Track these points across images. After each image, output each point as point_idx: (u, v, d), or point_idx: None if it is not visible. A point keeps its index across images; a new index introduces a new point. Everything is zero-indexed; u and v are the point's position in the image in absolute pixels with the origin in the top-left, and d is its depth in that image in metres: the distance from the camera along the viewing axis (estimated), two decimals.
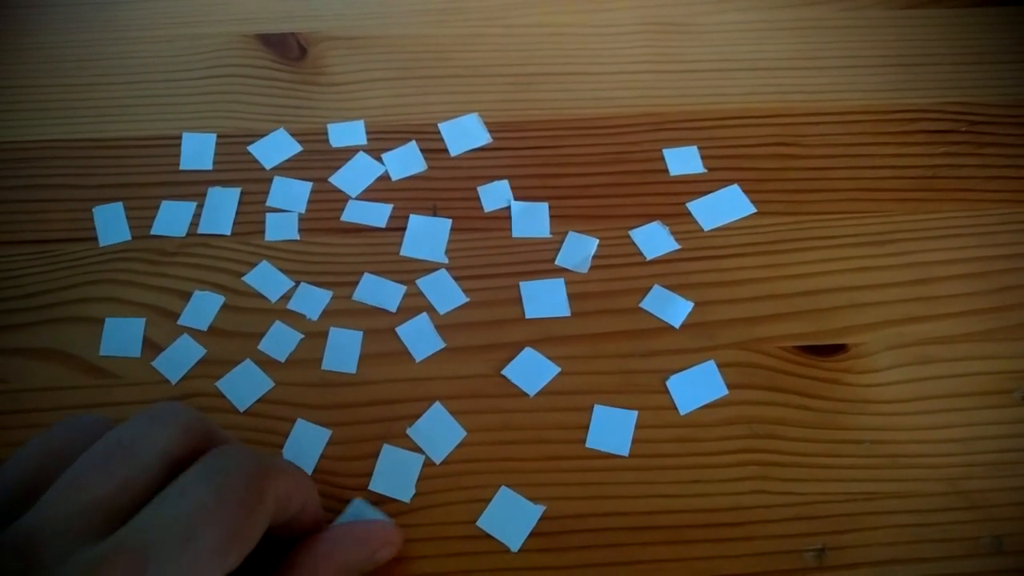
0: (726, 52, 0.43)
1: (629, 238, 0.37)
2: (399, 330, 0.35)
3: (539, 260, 0.37)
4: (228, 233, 0.37)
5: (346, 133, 0.40)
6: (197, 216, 0.38)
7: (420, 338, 0.35)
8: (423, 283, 0.36)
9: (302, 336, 0.35)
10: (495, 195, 0.38)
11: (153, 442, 0.23)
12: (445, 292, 0.36)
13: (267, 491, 0.23)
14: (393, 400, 0.33)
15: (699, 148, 0.39)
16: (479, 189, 0.38)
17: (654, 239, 0.37)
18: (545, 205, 0.38)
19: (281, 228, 0.37)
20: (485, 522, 0.31)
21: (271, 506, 0.23)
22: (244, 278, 0.36)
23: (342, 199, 0.38)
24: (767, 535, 0.31)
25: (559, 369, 0.34)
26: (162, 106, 0.41)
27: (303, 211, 0.38)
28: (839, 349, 0.34)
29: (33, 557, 0.20)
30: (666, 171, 0.39)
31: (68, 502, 0.21)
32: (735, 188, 0.38)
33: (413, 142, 0.40)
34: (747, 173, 0.39)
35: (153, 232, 0.37)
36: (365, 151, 0.39)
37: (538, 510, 0.31)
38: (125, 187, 0.39)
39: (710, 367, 0.34)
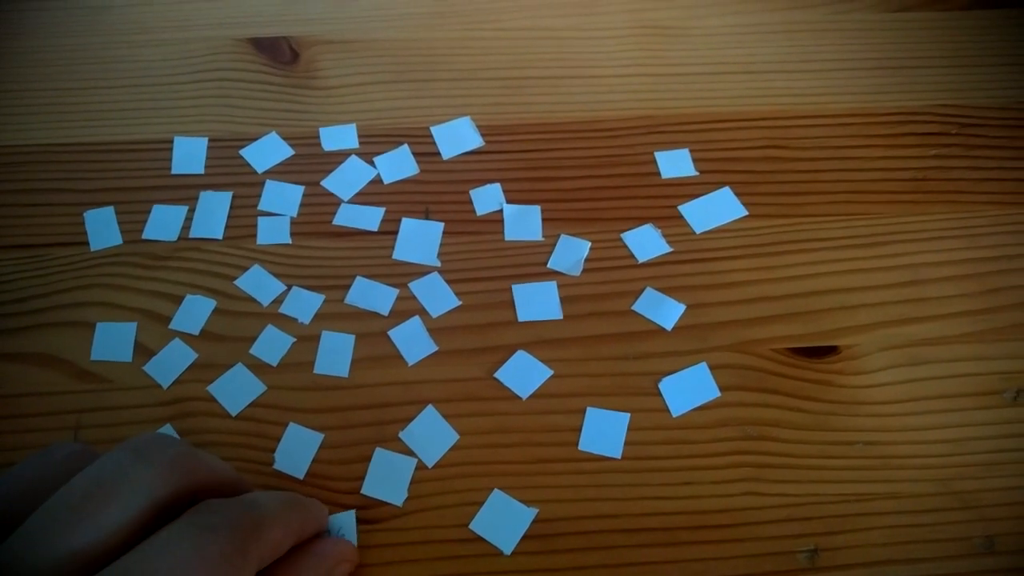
0: (717, 55, 0.43)
1: (621, 241, 0.37)
2: (391, 333, 0.35)
3: (531, 263, 0.37)
4: (220, 237, 0.37)
5: (338, 137, 0.40)
6: (189, 220, 0.38)
7: (412, 341, 0.35)
8: (415, 286, 0.36)
9: (294, 340, 0.35)
10: (487, 198, 0.38)
11: (137, 483, 0.21)
12: (437, 295, 0.36)
13: (253, 549, 0.22)
14: (385, 403, 0.33)
15: (691, 151, 0.39)
16: (471, 192, 0.38)
17: (646, 242, 0.37)
18: (537, 208, 0.38)
19: (273, 232, 0.37)
20: (478, 525, 0.31)
21: (255, 563, 0.22)
22: (236, 282, 0.36)
23: (334, 203, 0.38)
24: (760, 536, 0.31)
25: (552, 372, 0.34)
26: (154, 110, 0.41)
27: (295, 215, 0.38)
28: (831, 351, 0.35)
29: None
30: (658, 174, 0.39)
31: (42, 549, 0.20)
32: (726, 191, 0.38)
33: (405, 145, 0.40)
34: (738, 176, 0.39)
35: (145, 236, 0.37)
36: (357, 155, 0.39)
37: (531, 513, 0.31)
38: (116, 191, 0.38)
39: (702, 369, 0.34)
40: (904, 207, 0.38)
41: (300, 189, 0.39)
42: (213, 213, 0.38)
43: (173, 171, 0.39)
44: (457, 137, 0.40)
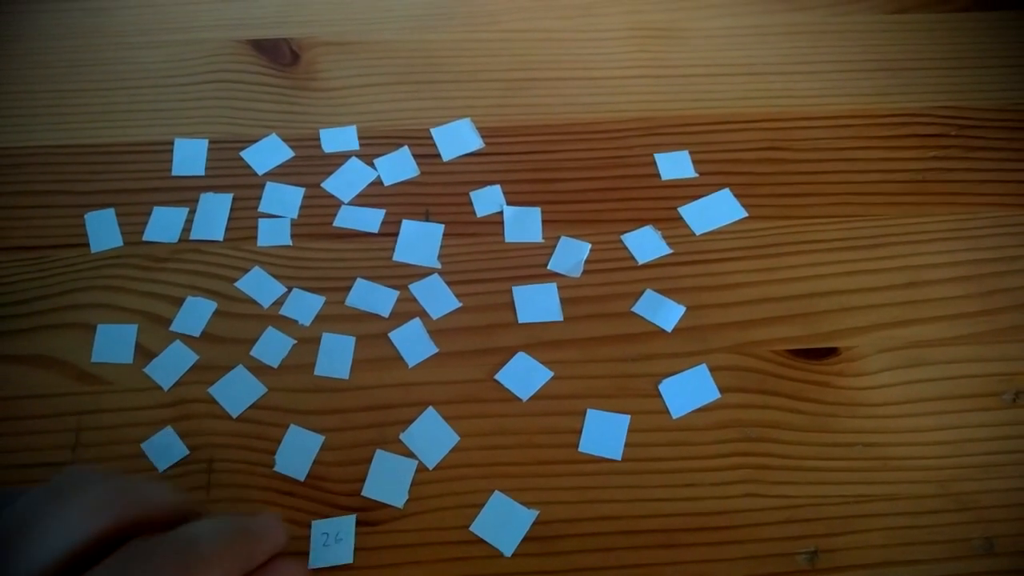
0: (717, 57, 0.43)
1: (621, 243, 0.37)
2: (392, 335, 0.35)
3: (532, 265, 0.37)
4: (220, 239, 0.37)
5: (338, 138, 0.40)
6: (189, 222, 0.38)
7: (413, 343, 0.35)
8: (416, 288, 0.36)
9: (295, 342, 0.35)
10: (487, 200, 0.38)
11: (51, 536, 0.19)
12: (438, 297, 0.36)
13: None
14: (386, 405, 0.33)
15: (690, 153, 0.40)
16: (471, 194, 0.38)
17: (646, 243, 0.37)
18: (537, 210, 0.38)
19: (273, 234, 0.37)
20: (478, 527, 0.31)
21: None
22: (236, 284, 0.36)
23: (334, 204, 0.38)
24: (759, 538, 0.31)
25: (552, 374, 0.34)
26: (154, 112, 0.41)
27: (295, 216, 0.38)
28: (830, 352, 0.35)
29: None
30: (658, 176, 0.39)
31: None
32: (726, 192, 0.38)
33: (405, 147, 0.40)
34: (738, 177, 0.39)
35: (145, 238, 0.37)
36: (357, 156, 0.40)
37: (531, 515, 0.31)
38: (117, 193, 0.39)
39: (702, 371, 0.34)
40: (903, 208, 0.38)
41: (300, 191, 0.39)
42: (214, 215, 0.38)
43: (173, 173, 0.39)
44: (457, 139, 0.40)
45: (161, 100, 0.41)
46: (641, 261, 0.37)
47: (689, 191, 0.39)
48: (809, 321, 0.35)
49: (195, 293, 0.36)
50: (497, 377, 0.34)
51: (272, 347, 0.35)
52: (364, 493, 0.32)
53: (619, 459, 0.32)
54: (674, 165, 0.39)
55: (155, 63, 0.43)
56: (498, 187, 0.39)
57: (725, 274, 0.36)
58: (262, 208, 0.38)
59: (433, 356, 0.34)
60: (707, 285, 0.36)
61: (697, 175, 0.39)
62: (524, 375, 0.34)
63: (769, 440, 0.33)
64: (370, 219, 0.38)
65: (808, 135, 0.40)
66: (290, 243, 0.37)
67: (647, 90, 0.42)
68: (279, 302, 0.36)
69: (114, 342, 0.35)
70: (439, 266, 0.37)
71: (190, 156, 0.40)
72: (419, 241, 0.37)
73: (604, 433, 0.33)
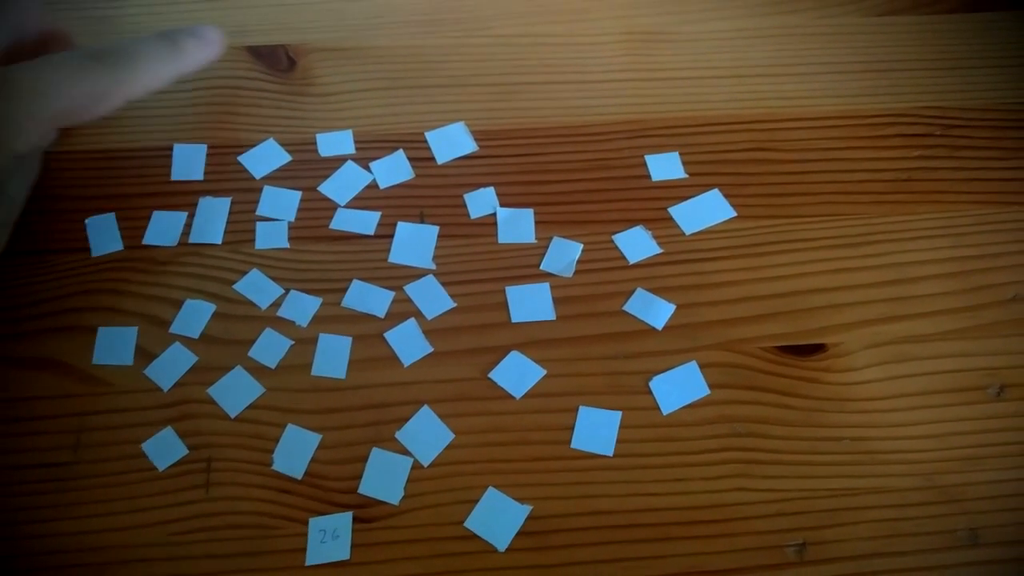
0: (706, 60, 0.43)
1: (612, 243, 0.38)
2: (387, 335, 0.35)
3: (524, 265, 0.37)
4: (219, 242, 0.38)
5: (334, 142, 0.41)
6: (188, 226, 0.38)
7: (408, 343, 0.35)
8: (411, 289, 0.37)
9: (292, 343, 0.35)
10: (481, 202, 0.39)
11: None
12: (432, 297, 0.36)
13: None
14: (382, 404, 0.34)
15: (680, 154, 0.40)
16: (465, 196, 0.39)
17: (637, 243, 0.38)
18: (530, 211, 0.39)
19: (271, 236, 0.38)
20: (473, 523, 0.32)
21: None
22: (235, 286, 0.37)
23: (331, 207, 0.39)
24: (749, 531, 0.32)
25: (545, 372, 0.35)
26: (153, 118, 0.42)
27: (293, 220, 0.39)
28: (818, 349, 0.35)
29: None
30: (648, 177, 0.40)
31: None
32: (715, 192, 0.39)
33: (400, 151, 0.40)
34: (727, 178, 0.40)
35: (145, 242, 0.38)
36: (353, 160, 0.40)
37: (525, 510, 0.32)
38: (117, 198, 0.39)
39: (692, 368, 0.35)
40: (889, 207, 0.39)
41: (297, 194, 0.39)
42: (212, 219, 0.38)
43: (173, 177, 0.40)
44: (451, 142, 0.41)
45: (160, 106, 0.42)
46: (632, 261, 0.37)
47: (679, 192, 0.39)
48: (797, 318, 0.36)
49: (194, 296, 0.36)
50: (491, 375, 0.35)
51: (270, 348, 0.35)
52: (361, 490, 0.32)
53: (611, 455, 0.33)
54: (664, 166, 0.40)
55: None
56: (491, 189, 0.39)
57: (714, 273, 0.37)
58: (260, 211, 0.39)
59: (428, 355, 0.35)
60: (697, 284, 0.37)
61: (687, 176, 0.40)
62: (517, 373, 0.35)
63: (758, 435, 0.33)
64: (366, 221, 0.38)
65: (796, 136, 0.41)
66: (287, 246, 0.38)
67: (638, 93, 0.42)
68: (277, 304, 0.36)
69: (114, 344, 0.35)
70: (434, 267, 0.37)
71: (189, 161, 0.40)
72: (414, 243, 0.38)
73: (596, 430, 0.33)
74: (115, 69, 0.33)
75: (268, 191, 0.39)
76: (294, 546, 0.31)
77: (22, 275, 0.37)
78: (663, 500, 0.32)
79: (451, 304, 0.36)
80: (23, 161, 0.32)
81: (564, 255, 0.37)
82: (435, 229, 0.38)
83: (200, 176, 0.40)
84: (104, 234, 0.38)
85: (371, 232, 0.38)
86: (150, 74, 0.35)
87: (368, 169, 0.40)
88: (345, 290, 0.37)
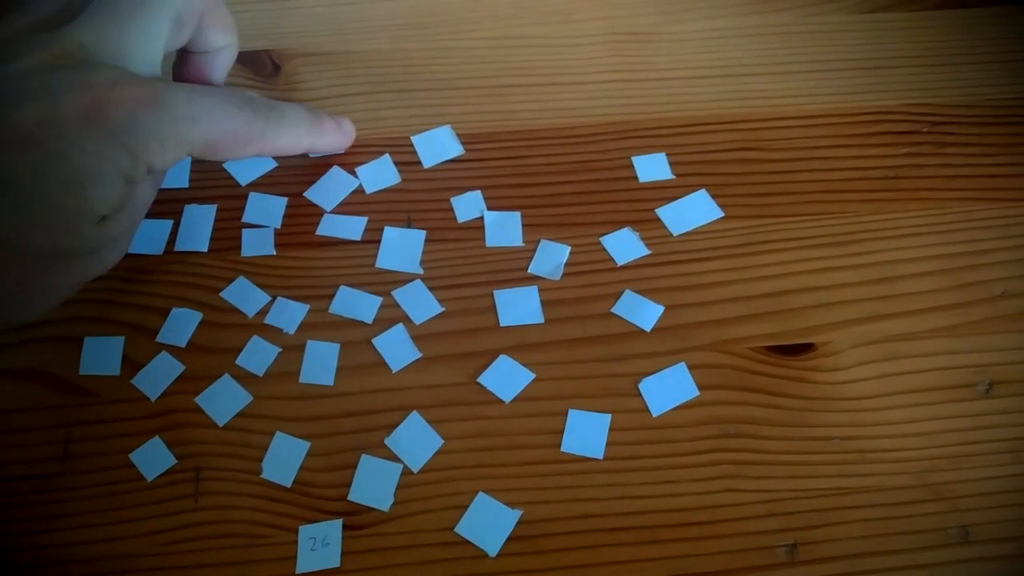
0: (692, 60, 0.43)
1: (600, 245, 0.38)
2: (375, 341, 0.35)
3: (512, 268, 0.37)
4: (205, 250, 0.38)
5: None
6: (174, 234, 0.38)
7: (396, 348, 0.35)
8: (398, 294, 0.36)
9: (279, 350, 0.35)
10: (468, 206, 0.39)
11: None
12: (420, 302, 0.36)
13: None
14: (370, 411, 0.34)
15: (667, 155, 0.40)
16: (452, 200, 0.39)
17: (624, 245, 0.38)
18: (518, 214, 0.39)
19: (257, 243, 0.38)
20: (463, 528, 0.32)
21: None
22: (221, 294, 0.36)
23: (317, 213, 0.39)
24: (739, 532, 0.32)
25: (534, 375, 0.35)
26: None
27: (279, 226, 0.38)
28: (807, 348, 0.35)
29: None
30: (635, 178, 0.40)
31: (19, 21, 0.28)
32: (703, 193, 0.39)
33: (387, 155, 0.40)
34: (714, 178, 0.40)
35: (130, 251, 0.38)
36: (339, 165, 0.40)
37: (515, 515, 0.32)
38: None
39: (681, 369, 0.35)
40: (877, 205, 0.39)
41: (283, 200, 0.39)
42: (198, 226, 0.38)
43: None
44: (437, 146, 0.41)
45: None
46: (620, 262, 0.37)
47: (666, 192, 0.39)
48: (785, 318, 0.36)
49: (180, 304, 0.36)
50: (480, 380, 0.34)
51: (257, 356, 0.35)
52: (350, 497, 0.32)
53: (601, 458, 0.33)
54: (651, 167, 0.40)
55: None
56: (479, 193, 0.39)
57: (702, 273, 0.37)
58: (246, 218, 0.39)
59: (416, 361, 0.35)
60: (685, 285, 0.37)
61: (673, 176, 0.40)
62: (506, 377, 0.34)
63: (748, 436, 0.33)
64: (352, 227, 0.38)
65: (782, 135, 0.41)
66: (274, 252, 0.38)
67: (624, 94, 0.42)
68: (263, 311, 0.36)
69: (101, 354, 0.35)
70: (421, 272, 0.37)
71: (174, 168, 0.40)
72: (401, 248, 0.38)
73: (586, 433, 0.33)
74: (266, 120, 0.34)
75: (253, 198, 0.39)
76: (284, 554, 0.31)
77: None
78: (653, 502, 0.32)
79: (439, 309, 0.36)
80: (156, 176, 0.33)
81: (552, 258, 0.37)
82: (422, 233, 0.38)
83: (185, 183, 0.40)
84: None
85: (358, 238, 0.38)
86: (290, 138, 0.36)
87: (354, 174, 0.40)
88: (332, 296, 0.36)
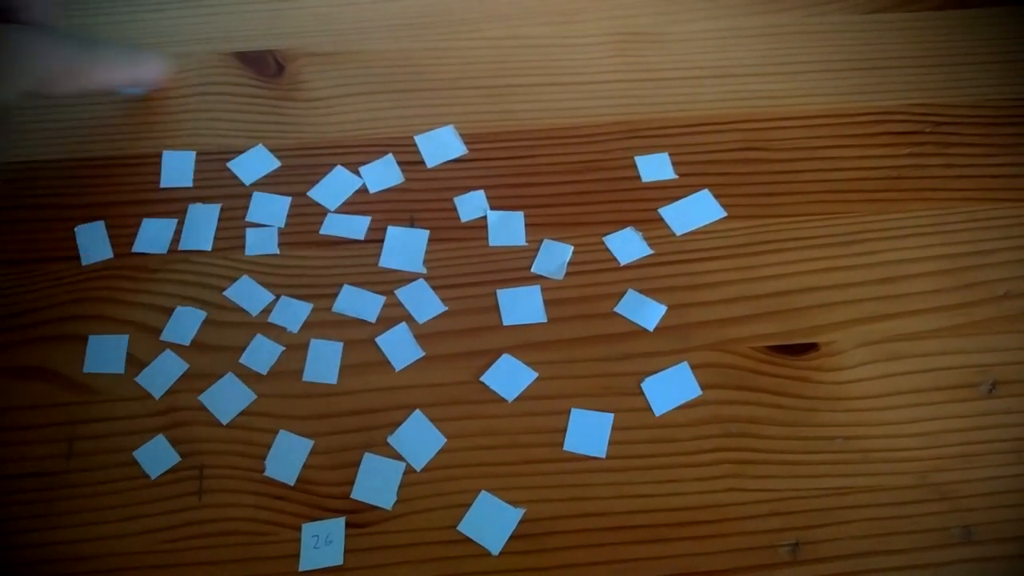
0: (695, 60, 0.43)
1: (603, 244, 0.38)
2: (379, 340, 0.35)
3: (515, 268, 0.37)
4: (209, 249, 0.38)
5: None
6: (178, 233, 0.38)
7: (399, 347, 0.35)
8: (402, 293, 0.37)
9: (283, 348, 0.35)
10: (471, 205, 0.39)
11: None
12: (423, 301, 0.36)
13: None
14: (374, 409, 0.34)
15: (670, 155, 0.40)
16: (455, 200, 0.39)
17: (628, 245, 0.38)
18: (520, 214, 0.39)
19: (261, 243, 0.38)
20: (466, 526, 0.32)
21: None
22: (225, 293, 0.37)
23: (321, 213, 0.39)
24: (742, 531, 0.32)
25: (536, 374, 0.35)
26: (142, 125, 0.42)
27: (282, 225, 0.38)
28: (810, 348, 0.35)
29: None
30: (638, 178, 0.40)
31: None
32: (705, 193, 0.39)
33: (390, 155, 0.40)
34: (717, 178, 0.40)
35: (135, 250, 0.38)
36: (343, 165, 0.40)
37: (518, 513, 0.32)
38: (107, 206, 0.39)
39: (684, 369, 0.35)
40: (880, 205, 0.39)
41: (287, 200, 0.39)
42: (202, 225, 0.38)
43: (162, 185, 0.40)
44: (441, 146, 0.41)
45: (148, 113, 0.42)
46: (623, 262, 0.37)
47: (669, 192, 0.39)
48: (788, 317, 0.36)
49: (185, 303, 0.36)
50: (482, 379, 0.35)
51: (261, 354, 0.35)
52: (353, 496, 0.32)
53: (603, 457, 0.33)
54: (654, 167, 0.40)
55: None
56: (482, 192, 0.39)
57: (705, 273, 0.37)
58: (249, 218, 0.39)
59: (419, 360, 0.35)
60: (688, 284, 0.37)
61: (676, 176, 0.40)
62: (509, 376, 0.35)
63: (751, 435, 0.33)
64: (356, 226, 0.38)
65: (785, 135, 0.41)
66: (277, 251, 0.38)
67: (627, 94, 0.42)
68: (267, 310, 0.36)
69: (105, 352, 0.35)
70: (424, 271, 0.37)
71: (178, 168, 0.40)
72: (404, 247, 0.38)
73: (588, 432, 0.33)
74: (91, 53, 0.38)
75: (258, 197, 0.39)
76: (287, 552, 0.31)
77: (12, 284, 0.37)
78: (656, 501, 0.32)
79: (442, 308, 0.36)
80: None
81: (555, 257, 0.37)
82: (425, 233, 0.38)
83: (189, 183, 0.40)
84: (94, 242, 0.38)
85: (361, 237, 0.38)
86: (112, 70, 0.39)
87: (358, 174, 0.40)
88: (335, 295, 0.36)
